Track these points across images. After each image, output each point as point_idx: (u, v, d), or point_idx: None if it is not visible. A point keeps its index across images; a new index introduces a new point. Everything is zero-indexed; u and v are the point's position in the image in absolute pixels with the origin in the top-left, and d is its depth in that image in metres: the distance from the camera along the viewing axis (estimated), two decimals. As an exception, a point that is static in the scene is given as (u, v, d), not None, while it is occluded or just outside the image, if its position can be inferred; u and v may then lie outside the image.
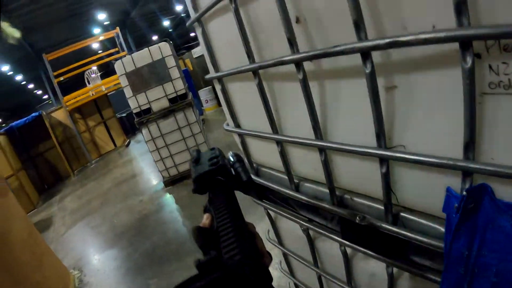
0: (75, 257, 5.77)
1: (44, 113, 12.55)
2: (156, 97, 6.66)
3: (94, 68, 13.86)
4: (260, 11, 0.93)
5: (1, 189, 4.26)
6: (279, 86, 1.02)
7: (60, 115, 13.22)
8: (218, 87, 1.27)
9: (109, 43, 19.86)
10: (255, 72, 0.97)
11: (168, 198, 6.78)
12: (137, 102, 6.64)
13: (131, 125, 16.51)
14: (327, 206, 1.01)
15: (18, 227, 4.10)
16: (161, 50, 6.52)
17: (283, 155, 1.10)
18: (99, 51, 21.05)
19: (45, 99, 36.93)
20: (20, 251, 3.73)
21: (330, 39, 0.78)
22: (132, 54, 6.51)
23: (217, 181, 0.79)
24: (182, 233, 5.23)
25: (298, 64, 0.81)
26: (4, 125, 29.47)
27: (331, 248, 1.23)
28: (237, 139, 1.41)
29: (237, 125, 1.31)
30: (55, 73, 12.81)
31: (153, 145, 6.87)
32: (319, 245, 1.32)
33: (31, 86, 29.99)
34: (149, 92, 6.62)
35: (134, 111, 6.74)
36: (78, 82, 21.43)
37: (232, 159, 0.85)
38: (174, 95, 6.70)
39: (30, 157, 12.34)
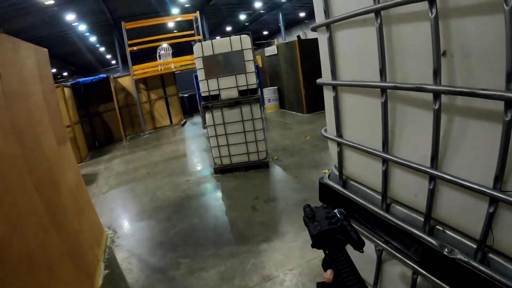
0: (112, 218, 6.08)
1: (112, 76, 13.30)
2: (227, 86, 6.87)
3: (166, 45, 14.46)
4: (404, 34, 0.99)
5: (62, 137, 4.58)
6: (402, 108, 1.07)
7: (125, 82, 13.97)
8: (329, 94, 1.35)
9: (185, 25, 20.71)
10: (384, 90, 1.04)
11: (216, 185, 6.96)
12: (208, 86, 6.88)
13: (190, 106, 17.13)
14: (417, 232, 1.06)
15: (69, 175, 4.38)
16: (242, 42, 6.72)
17: (385, 175, 1.16)
18: (174, 31, 22.28)
19: (113, 64, 39.13)
20: (66, 198, 3.95)
21: (475, 79, 0.83)
22: (213, 40, 6.75)
23: (337, 239, 0.89)
24: (223, 221, 5.37)
25: (437, 95, 0.88)
26: (71, 79, 31.43)
27: (400, 274, 1.27)
28: (333, 147, 1.48)
29: (339, 135, 1.37)
30: (130, 42, 13.54)
31: (213, 131, 7.08)
32: (386, 268, 1.36)
33: (102, 49, 31.57)
34: (221, 79, 6.84)
35: (203, 94, 6.98)
36: (145, 55, 22.48)
37: (341, 217, 0.94)
38: (245, 87, 6.88)
39: (89, 114, 13.20)
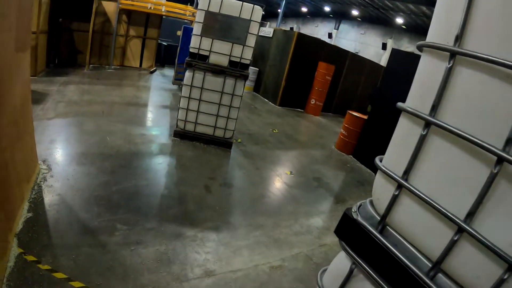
0: (50, 151, 5.59)
1: (97, -3, 12.45)
2: (220, 51, 6.59)
3: (166, -13, 13.83)
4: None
5: (23, 43, 3.96)
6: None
7: (109, 7, 13.11)
8: (411, 126, 1.19)
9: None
10: (500, 160, 0.90)
11: (172, 150, 6.70)
12: (200, 43, 6.56)
13: (165, 56, 16.56)
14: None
15: (17, 91, 3.82)
16: (253, 12, 6.46)
17: (452, 244, 1.03)
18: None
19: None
20: (5, 119, 3.41)
21: None
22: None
23: None
24: (172, 194, 5.13)
25: None
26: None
27: None
28: (382, 183, 1.33)
29: (405, 178, 1.22)
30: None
31: (187, 92, 6.78)
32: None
33: None
34: (216, 42, 6.55)
35: (191, 50, 6.64)
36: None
37: None
38: (238, 60, 6.63)
39: (59, 27, 12.14)
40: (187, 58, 6.70)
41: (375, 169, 5.30)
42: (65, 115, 7.25)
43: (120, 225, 4.15)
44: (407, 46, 27.64)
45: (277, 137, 8.95)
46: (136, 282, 3.39)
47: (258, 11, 6.50)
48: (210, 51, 6.58)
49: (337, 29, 34.25)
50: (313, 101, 13.22)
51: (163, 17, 14.69)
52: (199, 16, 6.47)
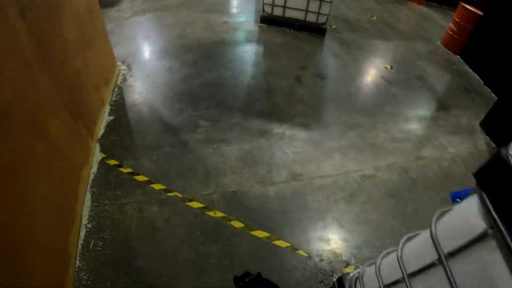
0: (129, 50, 5.23)
1: None
2: None
3: None
4: None
5: None
6: None
7: None
8: None
9: None
10: None
11: (259, 37, 5.99)
12: None
13: None
14: None
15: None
16: None
17: None
18: None
19: None
20: (68, 29, 3.01)
21: None
22: None
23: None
24: (258, 85, 4.57)
25: None
26: None
27: None
28: None
29: None
30: None
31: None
32: None
33: None
34: None
35: None
36: None
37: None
38: None
39: None
40: None
41: (485, 76, 4.90)
42: (143, 12, 6.77)
43: (203, 121, 3.80)
44: None
45: (375, 24, 7.68)
46: (218, 183, 3.09)
47: None
48: None
49: None
50: (416, -13, 11.16)
51: None
52: None
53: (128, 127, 3.66)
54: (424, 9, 10.71)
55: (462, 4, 6.80)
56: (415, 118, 4.49)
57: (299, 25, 6.24)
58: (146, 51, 5.25)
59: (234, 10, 7.17)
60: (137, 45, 5.41)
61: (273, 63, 5.17)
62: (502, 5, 5.80)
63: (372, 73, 5.37)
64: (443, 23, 9.04)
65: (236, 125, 3.74)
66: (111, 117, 3.76)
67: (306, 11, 6.08)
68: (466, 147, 4.05)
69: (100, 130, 3.56)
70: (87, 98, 3.37)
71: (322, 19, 6.14)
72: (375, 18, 8.03)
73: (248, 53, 5.39)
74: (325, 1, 5.92)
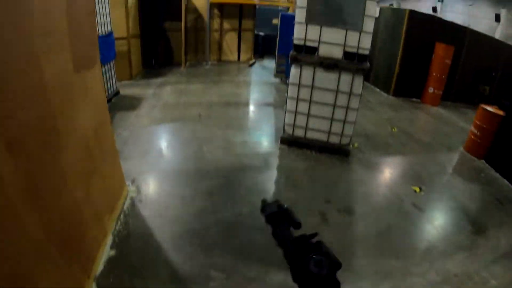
0: (140, 167, 4.84)
1: (184, -8, 11.79)
2: (331, 40, 5.31)
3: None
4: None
5: (87, 58, 3.11)
6: None
7: (200, 2, 12.46)
8: None
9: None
10: None
11: (280, 161, 5.63)
12: (305, 33, 5.36)
13: (263, 47, 15.62)
14: None
15: (85, 118, 2.96)
16: (370, -13, 5.09)
17: None
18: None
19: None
20: (71, 156, 2.58)
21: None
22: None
23: (283, 219, 1.27)
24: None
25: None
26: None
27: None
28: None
29: None
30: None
31: (295, 92, 5.63)
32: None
33: None
34: (325, 30, 5.28)
35: (296, 42, 5.47)
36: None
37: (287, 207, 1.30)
38: (354, 50, 5.29)
39: (151, 29, 11.55)
40: (291, 52, 5.53)
41: None
42: (160, 121, 6.61)
43: (216, 272, 3.22)
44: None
45: (397, 137, 7.40)
46: None
47: (376, -14, 5.12)
48: (319, 41, 5.35)
49: (442, 1, 30.81)
50: (431, 90, 11.21)
51: (257, 6, 13.80)
52: (301, 0, 5.26)
53: (131, 269, 3.12)
54: (440, 110, 10.74)
55: (483, 107, 6.69)
56: (451, 250, 3.97)
57: (321, 147, 5.90)
58: (159, 171, 4.88)
59: (253, 127, 6.98)
60: (151, 161, 5.07)
61: (295, 195, 4.67)
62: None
63: (401, 201, 4.89)
64: (462, 124, 9.13)
65: (254, 280, 3.19)
66: (113, 252, 3.24)
67: (329, 132, 5.80)
68: (509, 274, 3.59)
69: (99, 266, 3.03)
70: (87, 233, 2.89)
71: (345, 140, 5.83)
72: (395, 129, 7.81)
73: (269, 182, 4.96)
74: (348, 122, 5.67)
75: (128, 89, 8.48)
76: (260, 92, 9.98)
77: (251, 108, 8.42)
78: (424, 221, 4.55)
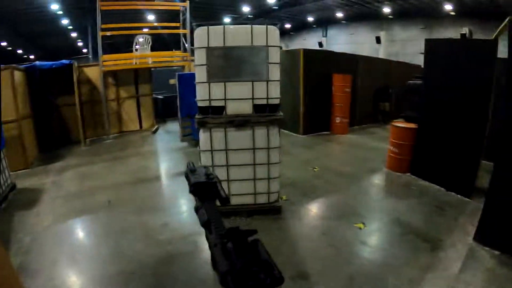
0: (52, 282, 3.86)
1: (76, 64, 10.86)
2: (238, 96, 4.91)
3: (147, 36, 12.35)
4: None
5: None
6: None
7: (92, 72, 11.61)
8: None
9: (169, 17, 18.64)
10: None
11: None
12: (209, 93, 4.91)
13: (164, 110, 15.04)
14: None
15: None
16: (268, 35, 4.81)
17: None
18: (155, 23, 21.13)
19: (84, 53, 36.45)
20: None
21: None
22: (227, 27, 4.81)
23: (210, 192, 1.12)
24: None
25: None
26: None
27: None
28: None
29: None
30: (103, 26, 11.29)
31: (209, 158, 5.05)
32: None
33: (74, 35, 30.58)
34: (230, 86, 4.89)
35: (200, 104, 4.99)
36: (120, 48, 20.27)
37: (216, 178, 1.17)
38: (264, 102, 4.94)
39: (43, 107, 10.51)
40: (197, 115, 5.01)
41: (443, 182, 6.04)
42: (65, 218, 5.58)
43: None
44: (400, 33, 27.63)
45: (321, 176, 7.19)
46: None
47: (274, 32, 4.86)
48: (225, 99, 4.92)
49: (326, 36, 33.24)
50: (338, 120, 11.52)
51: (152, 69, 13.37)
52: (199, 57, 4.85)
53: None
54: (351, 137, 11.43)
55: (394, 124, 7.24)
56: (419, 275, 3.85)
57: (250, 211, 5.33)
58: (75, 286, 3.94)
59: (170, 204, 6.25)
60: (61, 276, 4.07)
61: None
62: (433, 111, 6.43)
63: (350, 244, 4.65)
64: (375, 144, 9.89)
65: None
66: None
67: (255, 193, 5.29)
68: (478, 278, 3.65)
69: None
70: None
71: (273, 197, 5.37)
72: (317, 169, 7.71)
73: (206, 267, 4.11)
74: (273, 178, 5.24)
75: (25, 180, 7.31)
76: (170, 161, 9.26)
77: (164, 181, 7.66)
78: (379, 257, 4.34)
